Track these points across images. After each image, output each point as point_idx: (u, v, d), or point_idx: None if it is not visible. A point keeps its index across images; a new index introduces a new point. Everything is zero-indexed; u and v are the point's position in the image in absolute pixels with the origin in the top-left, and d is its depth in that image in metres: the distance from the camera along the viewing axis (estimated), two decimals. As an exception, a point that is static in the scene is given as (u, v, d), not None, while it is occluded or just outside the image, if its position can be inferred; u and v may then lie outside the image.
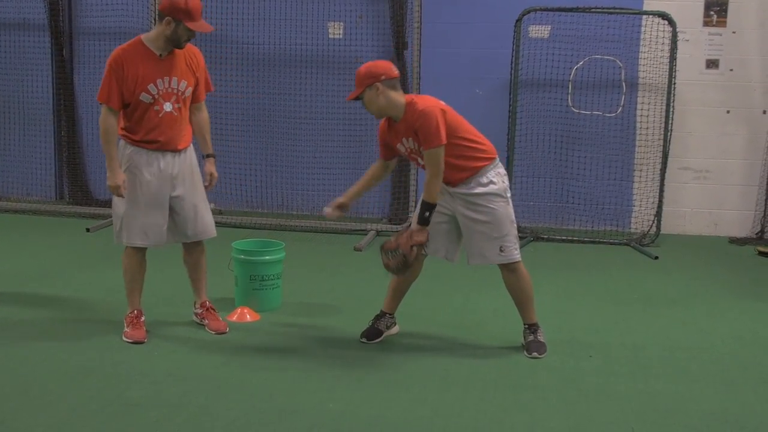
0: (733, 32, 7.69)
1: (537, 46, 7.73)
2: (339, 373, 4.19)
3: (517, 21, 7.41)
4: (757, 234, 7.72)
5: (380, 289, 4.95)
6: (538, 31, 7.75)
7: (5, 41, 8.48)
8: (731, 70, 7.73)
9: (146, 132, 4.48)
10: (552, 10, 7.48)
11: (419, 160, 4.40)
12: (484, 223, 4.38)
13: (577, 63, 7.74)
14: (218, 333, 4.72)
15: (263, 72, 8.18)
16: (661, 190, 7.57)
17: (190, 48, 4.58)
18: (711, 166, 7.88)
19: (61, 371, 4.09)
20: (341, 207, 4.62)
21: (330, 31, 8.04)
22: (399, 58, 7.78)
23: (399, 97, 4.32)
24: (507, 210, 4.44)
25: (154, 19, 7.70)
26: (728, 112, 7.79)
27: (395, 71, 4.35)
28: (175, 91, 4.50)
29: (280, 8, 8.00)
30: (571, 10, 7.45)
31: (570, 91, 7.81)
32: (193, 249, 4.83)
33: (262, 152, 8.24)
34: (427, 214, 4.30)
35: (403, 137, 4.37)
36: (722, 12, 7.67)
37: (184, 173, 4.62)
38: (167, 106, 4.48)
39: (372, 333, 4.67)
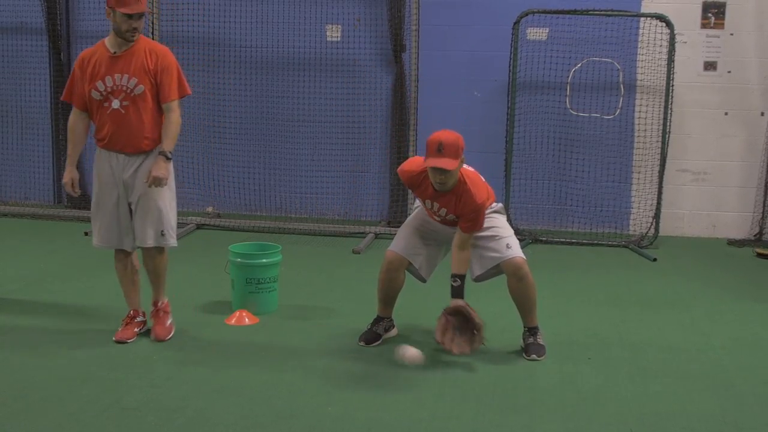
0: (731, 34, 7.69)
1: (535, 49, 7.73)
2: (337, 377, 4.19)
3: (515, 23, 7.41)
4: (755, 236, 7.72)
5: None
6: (536, 33, 7.75)
7: (3, 45, 8.47)
8: (729, 72, 7.73)
9: (98, 129, 4.53)
10: (550, 12, 7.48)
11: (435, 217, 4.51)
12: (486, 228, 4.46)
13: (575, 65, 7.74)
14: (156, 339, 4.61)
15: (261, 75, 8.17)
16: (660, 192, 7.57)
17: (155, 47, 4.52)
18: (709, 167, 7.87)
19: (59, 376, 4.08)
20: None
21: (328, 33, 8.04)
22: (397, 61, 7.78)
23: None
24: (506, 222, 4.58)
25: (152, 23, 7.70)
26: (726, 114, 7.79)
27: None
28: (124, 88, 4.43)
29: (278, 11, 7.99)
30: (569, 12, 7.45)
31: (568, 93, 7.81)
32: (147, 253, 4.67)
33: (260, 155, 8.24)
34: (458, 283, 4.41)
35: (435, 202, 4.40)
36: (720, 14, 7.68)
37: (139, 178, 4.50)
38: (115, 103, 4.44)
39: (370, 337, 4.67)
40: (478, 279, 4.58)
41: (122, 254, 4.68)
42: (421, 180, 4.39)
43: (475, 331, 4.33)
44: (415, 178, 4.41)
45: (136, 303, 4.77)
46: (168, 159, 4.47)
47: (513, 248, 4.46)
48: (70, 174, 4.60)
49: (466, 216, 4.33)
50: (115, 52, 4.43)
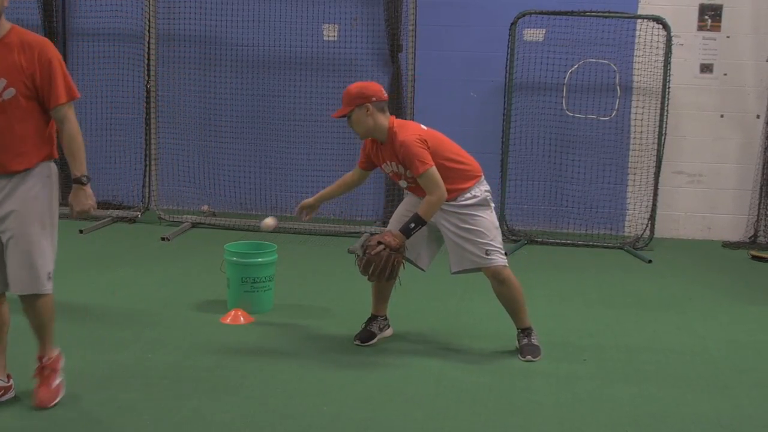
0: (728, 37, 7.70)
1: (532, 49, 7.73)
2: (333, 376, 4.18)
3: (512, 24, 7.41)
4: (750, 238, 7.73)
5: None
6: (533, 34, 7.76)
7: (-1, 41, 8.46)
8: (725, 74, 7.74)
9: None
10: (547, 13, 7.49)
11: (401, 182, 4.53)
12: (468, 230, 4.42)
13: (572, 66, 7.75)
14: (38, 405, 3.64)
15: (258, 74, 8.16)
16: (655, 194, 7.58)
17: (30, 39, 3.56)
18: (705, 170, 7.89)
19: (53, 373, 4.06)
20: (309, 208, 4.78)
21: (325, 33, 8.04)
22: (394, 61, 7.78)
23: (385, 120, 4.44)
24: (490, 217, 4.50)
25: (149, 20, 7.68)
26: (722, 116, 7.81)
27: (385, 94, 4.49)
28: None
29: (275, 10, 7.98)
30: (566, 13, 7.47)
31: (565, 94, 7.82)
32: (26, 300, 3.69)
33: (257, 154, 8.23)
34: (413, 226, 4.35)
35: (387, 159, 4.50)
36: (716, 16, 7.69)
37: (9, 204, 3.52)
38: None
39: (365, 336, 4.67)
40: (455, 273, 4.57)
41: None
42: (372, 145, 4.58)
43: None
44: (368, 143, 4.61)
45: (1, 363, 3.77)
46: (84, 184, 3.58)
47: (492, 255, 4.41)
48: None
49: (403, 160, 4.35)
50: None
